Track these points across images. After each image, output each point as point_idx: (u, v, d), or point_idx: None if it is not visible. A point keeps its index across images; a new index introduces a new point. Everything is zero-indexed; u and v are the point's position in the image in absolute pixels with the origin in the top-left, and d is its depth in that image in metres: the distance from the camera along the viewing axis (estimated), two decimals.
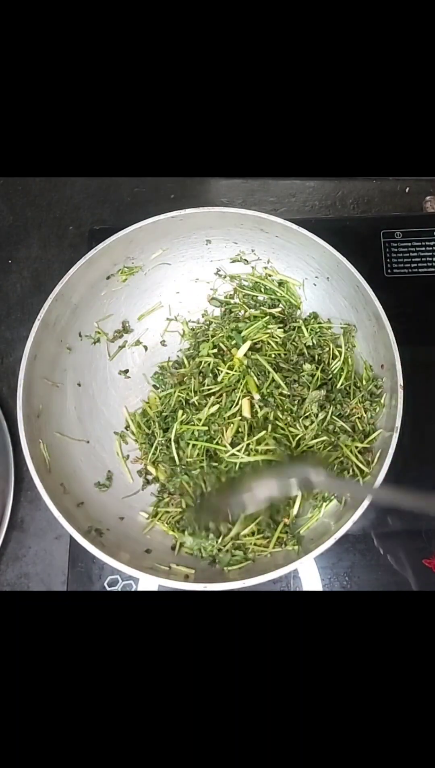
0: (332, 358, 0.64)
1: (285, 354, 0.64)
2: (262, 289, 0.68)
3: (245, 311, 0.68)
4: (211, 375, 0.64)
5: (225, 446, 0.59)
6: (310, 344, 0.64)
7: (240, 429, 0.60)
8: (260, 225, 0.62)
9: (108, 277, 0.64)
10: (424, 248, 0.73)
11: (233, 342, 0.65)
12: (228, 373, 0.63)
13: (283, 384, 0.61)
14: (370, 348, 0.60)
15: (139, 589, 0.62)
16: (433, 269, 0.72)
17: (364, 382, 0.62)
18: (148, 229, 0.61)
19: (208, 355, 0.65)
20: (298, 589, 0.62)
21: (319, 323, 0.66)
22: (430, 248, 0.73)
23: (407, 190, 0.79)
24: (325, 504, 0.59)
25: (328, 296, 0.65)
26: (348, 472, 0.58)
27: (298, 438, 0.60)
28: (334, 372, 0.63)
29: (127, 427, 0.66)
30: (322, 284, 0.64)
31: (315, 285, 0.65)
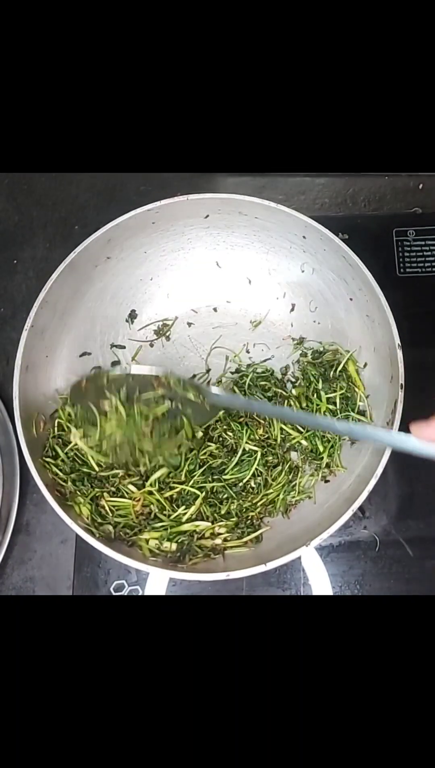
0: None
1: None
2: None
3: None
4: None
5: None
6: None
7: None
8: (266, 214, 0.60)
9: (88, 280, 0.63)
10: None
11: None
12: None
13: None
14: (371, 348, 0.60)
15: (148, 587, 0.61)
16: None
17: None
18: (125, 226, 0.59)
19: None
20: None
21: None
22: None
23: (421, 186, 0.77)
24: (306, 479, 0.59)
25: (331, 293, 0.64)
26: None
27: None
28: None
29: None
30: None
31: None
